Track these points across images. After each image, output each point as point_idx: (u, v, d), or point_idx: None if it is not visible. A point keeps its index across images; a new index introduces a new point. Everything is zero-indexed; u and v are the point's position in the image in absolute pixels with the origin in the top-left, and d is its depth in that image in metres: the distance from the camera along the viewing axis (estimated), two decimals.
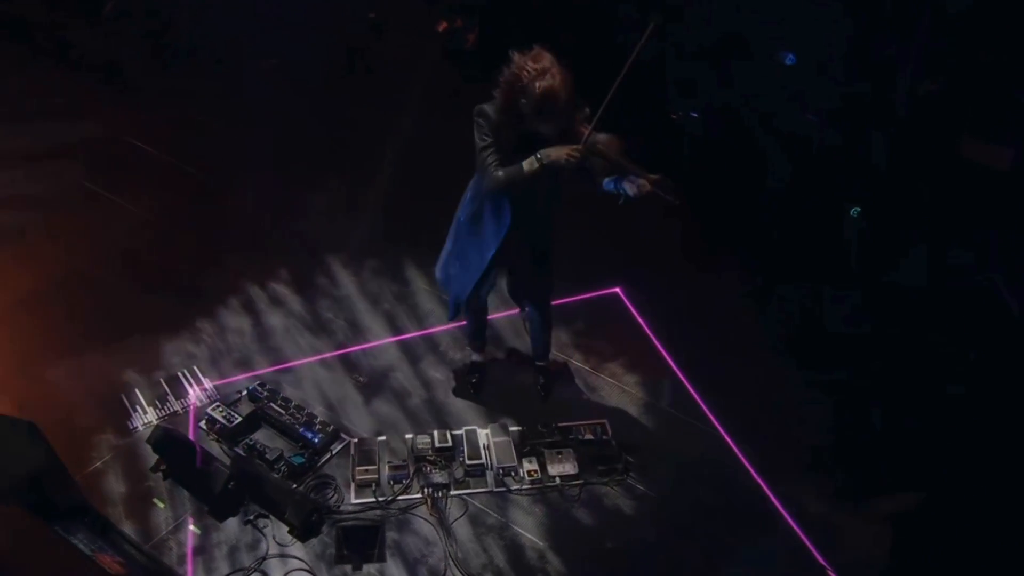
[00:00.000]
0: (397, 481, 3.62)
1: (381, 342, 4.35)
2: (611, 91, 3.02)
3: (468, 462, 3.69)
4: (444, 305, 4.53)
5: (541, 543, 3.44)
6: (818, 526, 3.48)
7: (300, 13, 6.85)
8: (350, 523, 3.46)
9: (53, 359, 4.12)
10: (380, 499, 3.56)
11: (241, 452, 3.68)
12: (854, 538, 3.45)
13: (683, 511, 3.56)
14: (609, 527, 3.52)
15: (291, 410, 3.84)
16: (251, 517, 3.45)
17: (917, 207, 5.02)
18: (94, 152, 5.72)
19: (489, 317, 4.10)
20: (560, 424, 3.87)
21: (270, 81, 6.48)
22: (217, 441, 3.74)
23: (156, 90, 6.40)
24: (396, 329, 4.44)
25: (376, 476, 3.63)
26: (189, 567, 3.31)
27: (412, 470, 3.67)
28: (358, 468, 3.66)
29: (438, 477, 3.64)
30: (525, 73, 2.99)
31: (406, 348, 4.33)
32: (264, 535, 3.40)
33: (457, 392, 4.10)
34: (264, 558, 3.32)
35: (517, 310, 4.26)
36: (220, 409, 3.82)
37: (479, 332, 4.09)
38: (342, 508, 3.53)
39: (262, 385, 3.98)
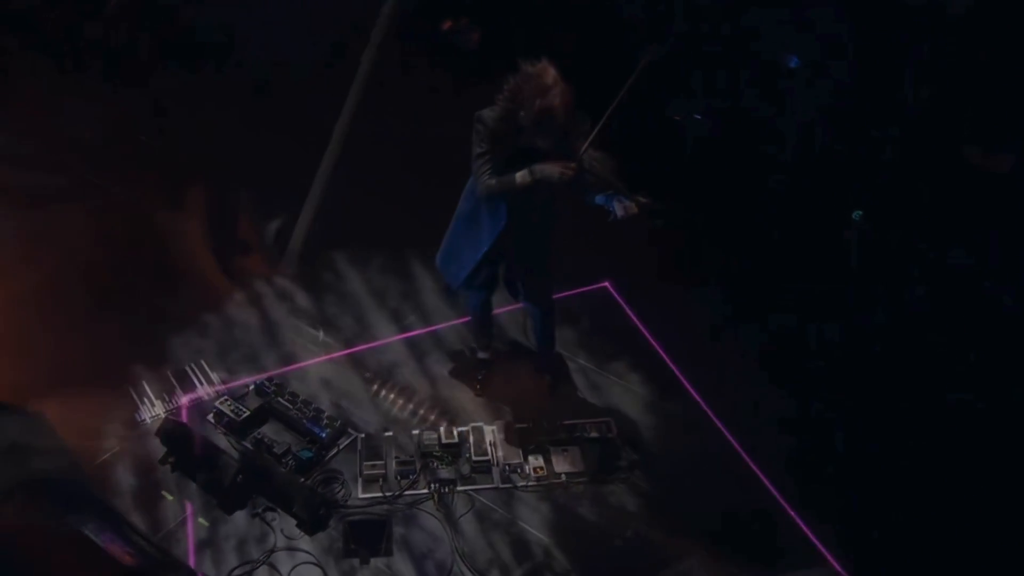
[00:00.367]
0: (404, 476, 3.65)
1: (388, 340, 4.38)
2: (605, 116, 3.11)
3: (474, 458, 3.72)
4: (450, 302, 4.57)
5: (547, 539, 3.47)
6: (822, 524, 3.52)
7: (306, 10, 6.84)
8: (357, 517, 3.48)
9: (61, 351, 4.13)
10: (387, 494, 3.58)
11: (249, 446, 3.70)
12: (859, 535, 3.49)
13: (688, 509, 3.59)
14: (614, 524, 3.55)
15: (298, 405, 3.86)
16: (259, 510, 3.48)
17: (917, 208, 5.05)
18: (99, 146, 5.73)
19: (495, 311, 4.13)
20: (565, 422, 3.90)
21: (278, 76, 6.47)
22: (225, 435, 3.77)
23: (161, 84, 6.40)
24: (402, 326, 4.46)
25: (383, 471, 3.66)
26: (191, 552, 3.34)
27: (419, 466, 3.70)
28: (365, 463, 3.69)
29: (445, 473, 3.67)
30: (528, 87, 3.05)
31: (412, 345, 4.36)
32: (272, 528, 3.42)
33: (463, 389, 4.13)
34: (272, 551, 3.34)
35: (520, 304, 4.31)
36: (228, 403, 3.84)
37: (484, 330, 4.12)
38: (349, 502, 3.55)
39: (269, 380, 4.00)
